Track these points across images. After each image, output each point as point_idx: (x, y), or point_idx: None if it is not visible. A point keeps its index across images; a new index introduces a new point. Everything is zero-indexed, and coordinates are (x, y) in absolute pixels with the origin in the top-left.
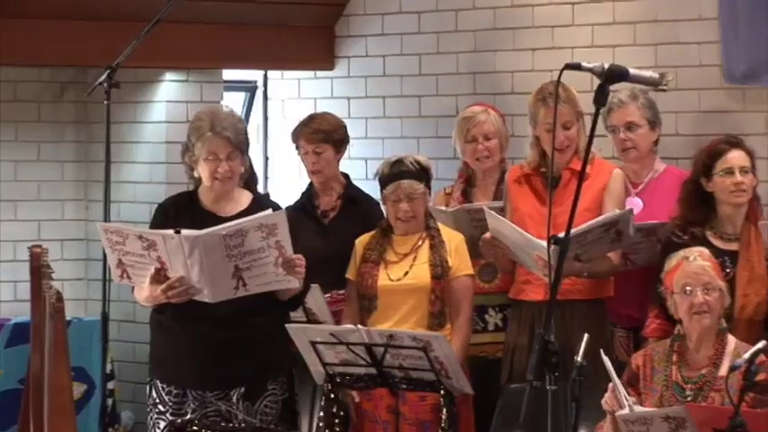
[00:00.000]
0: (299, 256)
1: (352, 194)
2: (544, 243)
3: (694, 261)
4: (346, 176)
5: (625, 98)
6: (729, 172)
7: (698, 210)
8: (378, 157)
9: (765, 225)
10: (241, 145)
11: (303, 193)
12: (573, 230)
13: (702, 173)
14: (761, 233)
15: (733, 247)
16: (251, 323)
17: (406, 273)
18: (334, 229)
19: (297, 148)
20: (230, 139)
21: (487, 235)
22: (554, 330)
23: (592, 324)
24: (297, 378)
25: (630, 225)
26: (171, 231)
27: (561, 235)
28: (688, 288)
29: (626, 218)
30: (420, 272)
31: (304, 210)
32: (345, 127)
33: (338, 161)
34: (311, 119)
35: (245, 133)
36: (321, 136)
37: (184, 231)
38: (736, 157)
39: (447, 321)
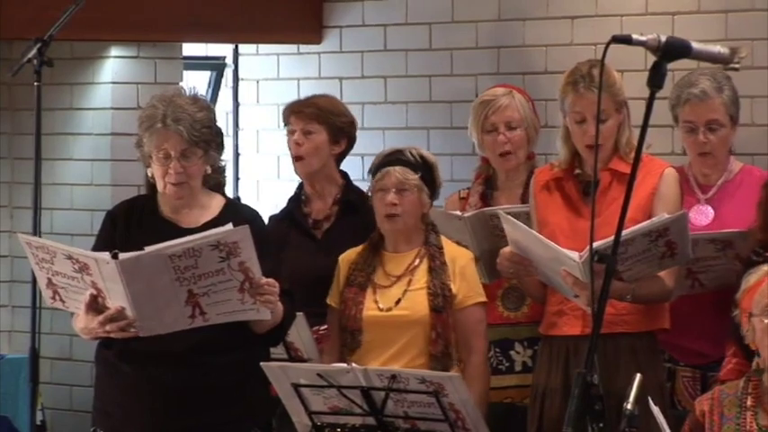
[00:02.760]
0: (271, 281)
1: (350, 199)
2: (576, 255)
3: None
4: (345, 176)
5: (710, 89)
6: None
7: None
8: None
9: None
10: (200, 141)
11: (291, 199)
12: (610, 240)
13: None
14: None
15: None
16: (215, 362)
17: (398, 301)
18: (328, 244)
19: (286, 125)
20: (182, 134)
21: (507, 249)
22: (597, 370)
23: (643, 363)
24: (276, 431)
25: (686, 235)
26: (107, 255)
27: (601, 243)
28: None
29: (679, 225)
30: (415, 300)
31: (291, 219)
32: (353, 122)
33: (335, 157)
34: (311, 96)
35: (210, 125)
36: (315, 112)
37: (123, 255)
38: None
39: (453, 364)
